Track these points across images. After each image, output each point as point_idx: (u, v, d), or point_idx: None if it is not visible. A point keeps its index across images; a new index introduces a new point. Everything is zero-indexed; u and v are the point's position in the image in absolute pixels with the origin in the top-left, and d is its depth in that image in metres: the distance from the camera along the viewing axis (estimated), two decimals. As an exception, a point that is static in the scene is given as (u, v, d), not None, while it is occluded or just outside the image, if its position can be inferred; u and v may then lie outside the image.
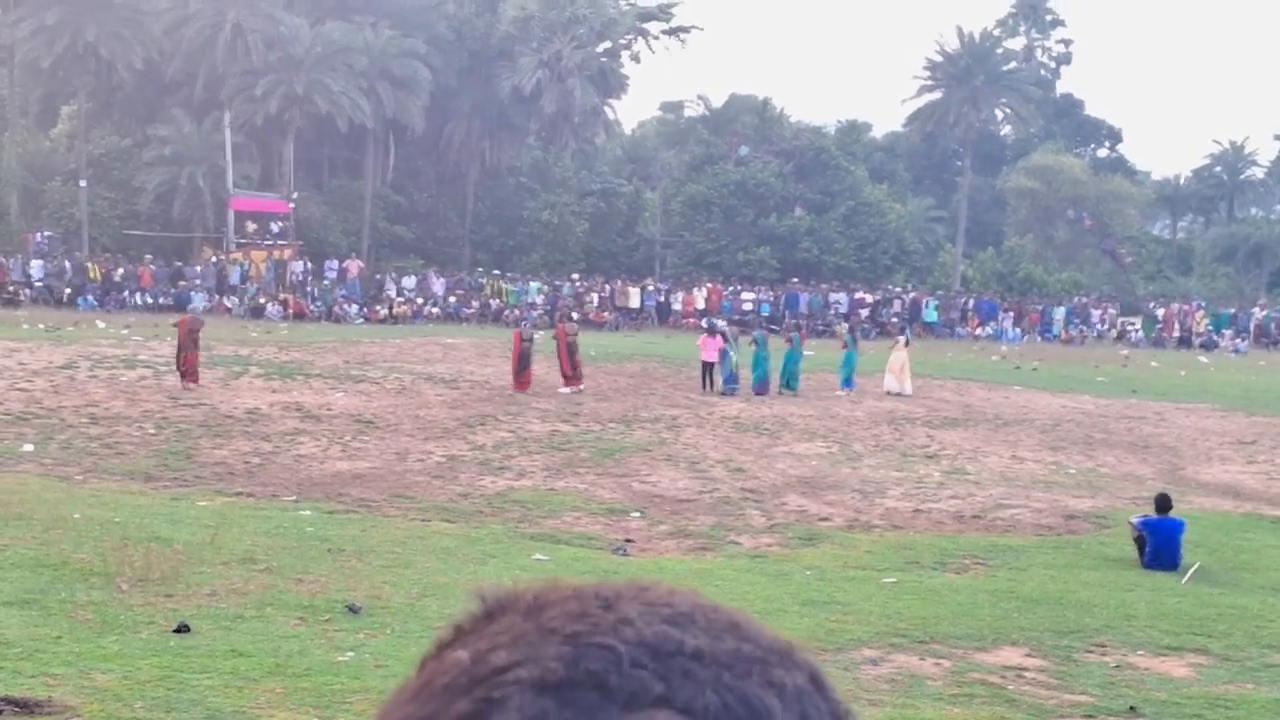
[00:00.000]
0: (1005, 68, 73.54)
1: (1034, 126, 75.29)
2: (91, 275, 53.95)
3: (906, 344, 33.63)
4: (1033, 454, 23.96)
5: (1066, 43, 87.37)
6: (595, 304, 58.73)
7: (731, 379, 30.68)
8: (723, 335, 31.51)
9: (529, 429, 23.94)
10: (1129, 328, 63.39)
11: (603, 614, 0.65)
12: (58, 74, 60.96)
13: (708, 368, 30.97)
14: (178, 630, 9.29)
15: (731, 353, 30.96)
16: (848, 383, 31.90)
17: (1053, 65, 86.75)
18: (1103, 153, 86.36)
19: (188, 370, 26.70)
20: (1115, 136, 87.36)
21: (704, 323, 38.70)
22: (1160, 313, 65.03)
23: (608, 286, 60.73)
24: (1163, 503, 14.99)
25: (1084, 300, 65.79)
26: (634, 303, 60.12)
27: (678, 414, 26.78)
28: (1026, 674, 10.01)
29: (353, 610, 10.41)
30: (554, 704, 0.60)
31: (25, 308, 47.93)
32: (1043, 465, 22.76)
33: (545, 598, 0.68)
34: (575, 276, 61.72)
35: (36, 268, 53.83)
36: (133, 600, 10.19)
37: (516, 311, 49.44)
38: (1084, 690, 9.64)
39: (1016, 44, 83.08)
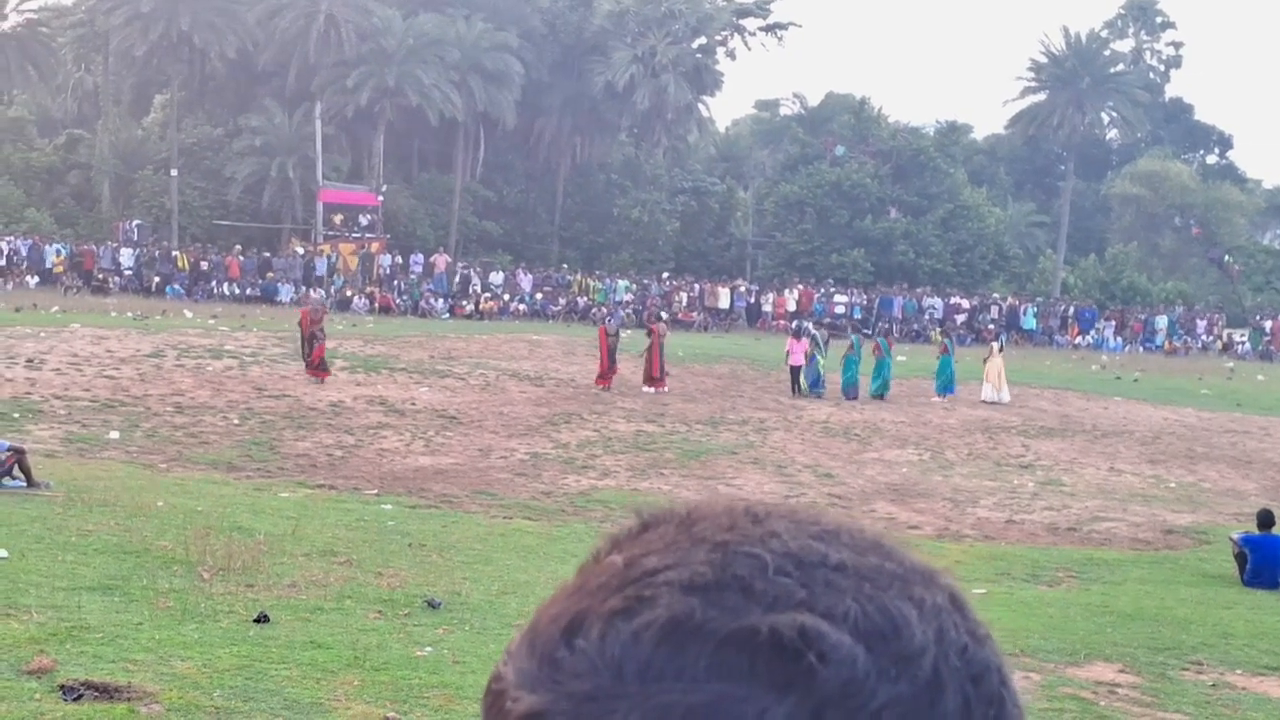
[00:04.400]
0: (1112, 70, 72.26)
1: (1141, 131, 73.89)
2: (180, 264, 54.71)
3: (1000, 350, 33.05)
4: (1131, 466, 23.40)
5: (1177, 45, 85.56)
6: (684, 304, 58.48)
7: (818, 383, 30.36)
8: (812, 339, 31.20)
9: (614, 428, 23.81)
10: (1235, 340, 61.84)
11: (752, 527, 0.68)
12: (151, 63, 62.10)
13: (795, 371, 30.71)
14: (257, 620, 9.26)
15: (819, 357, 30.64)
16: (946, 389, 31.38)
17: (1162, 68, 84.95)
18: (1212, 159, 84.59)
19: (317, 361, 26.84)
20: (1225, 143, 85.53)
21: (791, 326, 38.38)
22: (1268, 325, 63.30)
23: (697, 286, 60.47)
24: (1265, 519, 14.53)
25: (1189, 311, 64.31)
26: (723, 303, 59.78)
27: (766, 417, 26.51)
28: (1119, 690, 9.70)
29: (432, 605, 10.32)
30: (700, 603, 0.63)
31: (114, 295, 48.71)
32: (1141, 478, 22.21)
33: (698, 512, 0.71)
34: (664, 275, 61.56)
35: (126, 256, 54.68)
36: (214, 589, 10.18)
37: (604, 309, 49.36)
38: (1178, 709, 9.37)
39: (1125, 46, 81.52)
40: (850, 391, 30.29)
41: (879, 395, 30.50)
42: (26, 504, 13.53)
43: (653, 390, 28.97)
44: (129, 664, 7.86)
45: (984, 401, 31.04)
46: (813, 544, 0.67)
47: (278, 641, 8.74)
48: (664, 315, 39.25)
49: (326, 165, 59.12)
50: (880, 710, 0.62)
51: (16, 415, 20.28)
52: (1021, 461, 23.24)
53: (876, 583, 0.66)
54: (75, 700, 7.10)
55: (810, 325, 35.78)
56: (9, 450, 14.67)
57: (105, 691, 7.26)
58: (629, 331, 34.90)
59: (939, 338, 35.01)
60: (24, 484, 14.47)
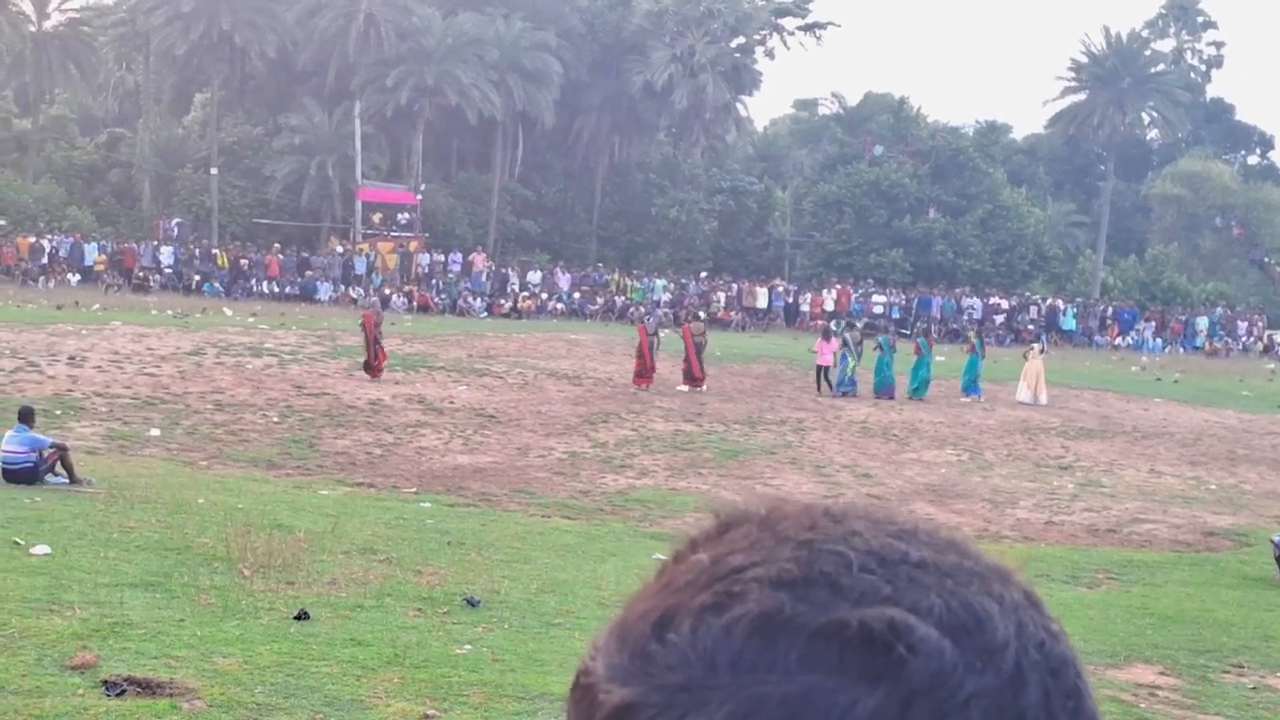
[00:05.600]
0: (1153, 70, 71.65)
1: (1182, 131, 73.20)
2: (220, 263, 55.05)
3: (1042, 352, 32.82)
4: (1172, 468, 23.20)
5: (1218, 45, 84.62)
6: (722, 303, 58.39)
7: (844, 383, 30.31)
8: (844, 340, 31.15)
9: (652, 428, 23.80)
10: (1276, 341, 61.20)
11: (833, 526, 0.70)
12: (192, 62, 62.55)
13: (822, 370, 30.66)
14: (298, 617, 9.29)
15: (850, 357, 30.57)
16: (971, 388, 31.24)
17: (1203, 68, 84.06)
18: (1253, 160, 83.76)
19: (380, 368, 27.02)
20: (1267, 143, 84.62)
21: (820, 325, 38.33)
22: (1310, 326, 62.73)
23: (735, 286, 60.38)
24: (1307, 522, 14.37)
25: (1230, 312, 63.68)
26: (761, 303, 59.66)
27: (804, 417, 26.44)
28: (1160, 693, 9.62)
29: (471, 604, 10.33)
30: (790, 598, 0.65)
31: (154, 293, 49.04)
32: (1182, 480, 22.01)
33: (778, 511, 0.72)
34: (702, 275, 61.48)
35: (166, 254, 55.08)
36: (254, 586, 10.22)
37: (641, 309, 49.39)
38: (1219, 711, 9.28)
39: (1165, 46, 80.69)
40: (883, 392, 30.18)
41: (917, 396, 30.37)
42: (69, 501, 13.65)
43: (688, 389, 28.94)
44: (171, 660, 7.91)
45: (1019, 403, 30.85)
46: (893, 542, 0.69)
47: (318, 639, 8.77)
48: (701, 315, 39.19)
49: (365, 164, 59.38)
50: (968, 701, 0.63)
51: (59, 412, 20.46)
52: (1061, 463, 23.08)
53: (957, 579, 0.67)
54: (118, 696, 7.14)
55: (843, 326, 35.67)
56: (52, 447, 14.80)
57: (147, 687, 7.31)
58: (667, 331, 34.86)
59: (972, 337, 34.80)
60: (67, 481, 14.60)
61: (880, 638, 0.63)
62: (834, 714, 0.62)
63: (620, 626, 0.69)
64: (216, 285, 52.89)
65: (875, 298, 59.55)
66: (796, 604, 0.65)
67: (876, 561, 0.67)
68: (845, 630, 0.64)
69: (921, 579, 0.67)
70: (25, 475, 14.37)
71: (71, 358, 25.82)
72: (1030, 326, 56.66)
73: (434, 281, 57.22)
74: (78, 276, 51.62)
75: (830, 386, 30.43)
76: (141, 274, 52.55)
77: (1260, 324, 63.30)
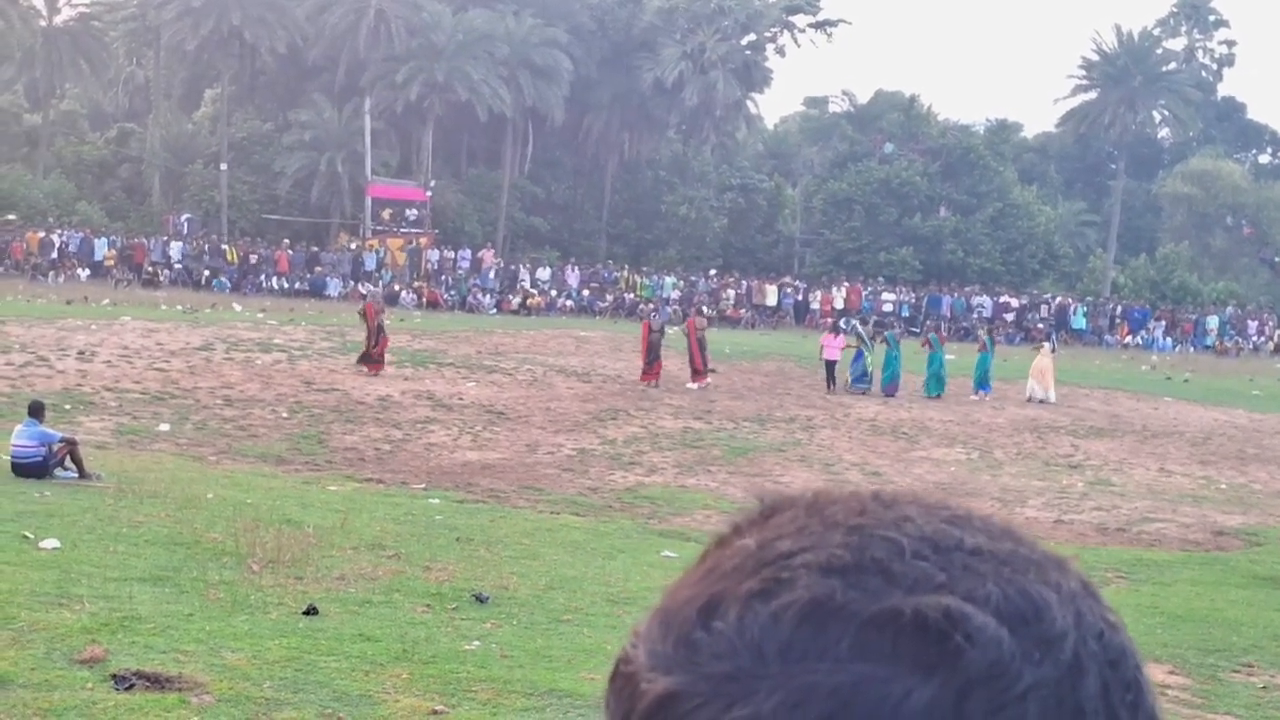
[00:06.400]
0: (1164, 68, 71.49)
1: (1193, 130, 73.08)
2: (229, 258, 55.09)
3: (1052, 350, 32.79)
4: (1182, 467, 23.14)
5: (1229, 44, 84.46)
6: (731, 301, 58.35)
7: (862, 378, 30.29)
8: (858, 335, 31.14)
9: (661, 425, 23.79)
10: (1287, 340, 61.07)
11: (884, 511, 0.68)
12: (202, 57, 62.66)
13: (830, 366, 30.67)
14: (306, 612, 9.29)
15: (866, 353, 30.55)
16: (982, 385, 31.23)
17: (1214, 67, 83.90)
18: (1264, 159, 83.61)
19: (379, 355, 26.95)
20: (1278, 142, 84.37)
21: (830, 322, 38.33)
22: (1320, 326, 62.56)
23: (744, 283, 60.34)
24: (1320, 522, 14.33)
25: (1240, 311, 63.54)
26: (771, 301, 59.62)
27: (813, 415, 26.42)
28: (1169, 692, 9.58)
29: (480, 600, 10.33)
30: (841, 584, 0.63)
31: (164, 288, 49.04)
32: (1192, 479, 21.95)
33: (826, 496, 0.71)
34: (712, 272, 61.45)
35: (176, 249, 55.10)
36: (263, 581, 10.23)
37: (649, 306, 49.40)
38: (1229, 711, 9.25)
39: (1177, 44, 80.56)
40: (891, 389, 30.16)
41: (933, 394, 30.34)
42: (78, 495, 13.66)
43: (696, 385, 28.92)
44: (180, 654, 7.92)
45: (1029, 400, 30.86)
46: (946, 528, 0.67)
47: (327, 634, 8.78)
48: (704, 309, 39.19)
49: (375, 160, 59.42)
50: (1026, 692, 0.61)
51: (68, 407, 20.48)
52: (1071, 461, 23.03)
53: (1014, 567, 0.65)
54: (127, 690, 7.15)
55: (856, 322, 35.68)
56: (61, 441, 14.81)
57: (156, 681, 7.32)
58: (675, 328, 34.83)
59: (982, 335, 34.79)
60: (76, 475, 14.61)
61: (936, 626, 0.61)
62: (887, 705, 0.60)
63: (663, 613, 0.67)
64: (226, 281, 52.93)
65: (885, 296, 59.48)
66: (848, 591, 0.63)
67: (930, 548, 0.65)
68: (899, 618, 0.62)
69: (977, 566, 0.65)
70: (35, 469, 14.39)
71: (81, 352, 25.86)
72: (1040, 325, 56.56)
73: (443, 278, 57.22)
74: (87, 271, 51.69)
75: (833, 382, 30.38)
76: (151, 269, 52.59)
77: (1271, 323, 63.15)
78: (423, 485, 17.00)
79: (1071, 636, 0.64)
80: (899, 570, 0.64)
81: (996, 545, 0.67)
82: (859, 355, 30.52)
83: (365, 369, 26.87)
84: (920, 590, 0.63)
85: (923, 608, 0.62)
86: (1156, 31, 75.39)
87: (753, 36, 67.28)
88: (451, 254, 58.99)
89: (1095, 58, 69.87)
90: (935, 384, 30.60)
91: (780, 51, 70.24)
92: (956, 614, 0.62)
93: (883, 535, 0.66)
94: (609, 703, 0.68)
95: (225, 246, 55.93)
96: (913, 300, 59.63)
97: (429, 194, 59.66)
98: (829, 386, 30.34)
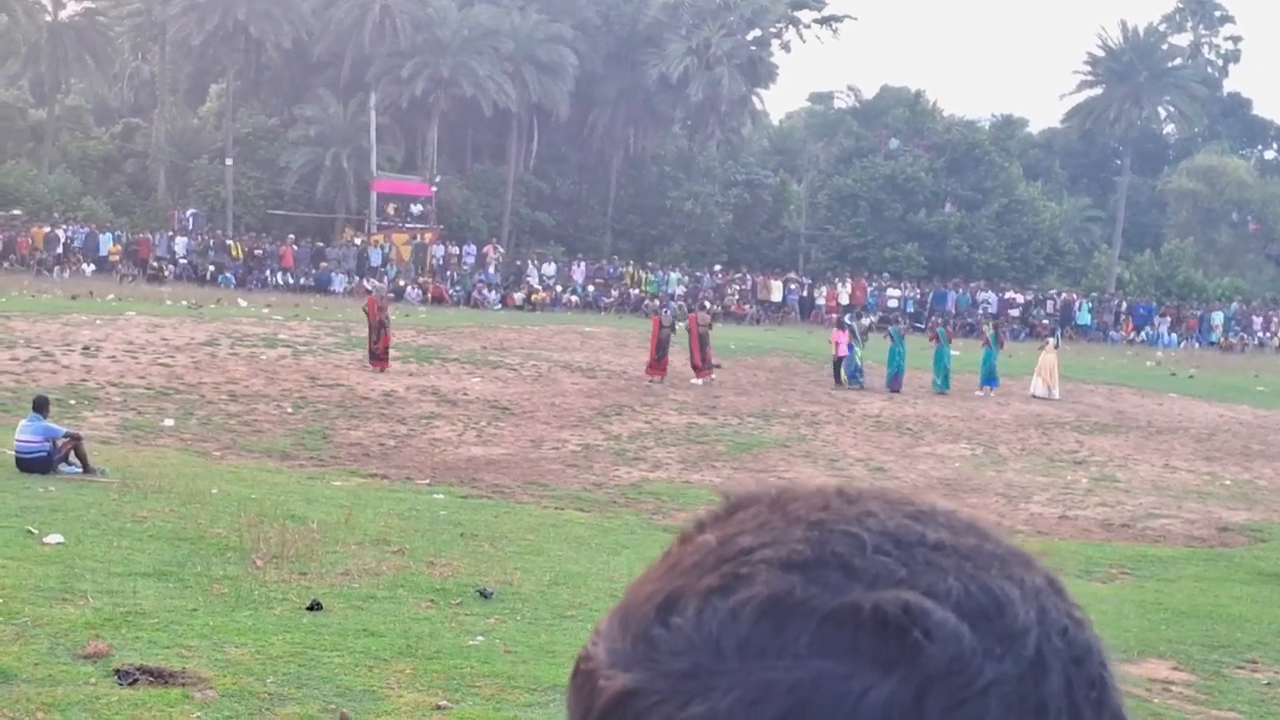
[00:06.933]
0: (1170, 64, 71.41)
1: (1198, 126, 72.92)
2: (234, 253, 55.06)
3: (1056, 347, 32.76)
4: (1186, 463, 23.13)
5: (1235, 40, 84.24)
6: (736, 296, 58.30)
7: (856, 374, 30.31)
8: (850, 330, 31.15)
9: (666, 420, 23.78)
10: (1292, 336, 60.96)
11: (846, 507, 0.67)
12: (207, 52, 62.63)
13: (839, 363, 30.69)
14: (310, 608, 9.29)
15: (857, 347, 30.58)
16: (988, 381, 31.22)
17: (1220, 63, 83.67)
18: (1270, 155, 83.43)
19: (382, 351, 26.92)
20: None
21: (836, 318, 38.34)
22: (1325, 322, 62.41)
23: (749, 279, 60.26)
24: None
25: (1245, 307, 63.43)
26: (776, 296, 59.54)
27: (817, 410, 26.41)
28: (1173, 688, 9.59)
29: (484, 595, 10.32)
30: (800, 580, 0.62)
31: (169, 284, 49.03)
32: (1196, 475, 21.94)
33: (789, 493, 0.70)
34: (717, 268, 61.40)
35: (181, 244, 55.08)
36: (267, 576, 10.23)
37: (656, 301, 49.33)
38: (1232, 707, 9.25)
39: (1182, 40, 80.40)
40: (895, 384, 30.15)
41: (943, 390, 30.34)
42: (83, 490, 13.68)
43: (700, 381, 28.91)
44: (183, 649, 7.92)
45: (1033, 396, 30.84)
46: (909, 523, 0.66)
47: (330, 629, 8.78)
48: (707, 305, 39.16)
49: (380, 155, 59.41)
50: (986, 689, 0.61)
51: (73, 402, 20.51)
52: (1075, 457, 23.02)
53: (977, 562, 0.65)
54: (130, 685, 7.15)
55: (849, 316, 35.65)
56: (66, 436, 14.83)
57: (160, 676, 7.32)
58: (683, 324, 34.84)
59: (987, 331, 34.78)
60: (80, 470, 14.63)
61: (895, 622, 0.61)
62: (846, 701, 0.60)
63: (623, 610, 0.67)
64: (231, 276, 52.92)
65: (890, 291, 59.41)
66: (807, 586, 0.62)
67: (892, 543, 0.64)
68: (858, 614, 0.61)
69: (939, 561, 0.64)
70: (39, 464, 14.41)
71: (86, 348, 25.87)
72: (1045, 321, 56.49)
73: (448, 273, 57.21)
74: (92, 266, 51.72)
75: (839, 378, 30.47)
76: (156, 264, 52.59)
77: (1276, 319, 63.01)
78: (427, 481, 17.01)
79: (1034, 632, 0.63)
80: (859, 565, 0.63)
81: (960, 540, 0.66)
82: (850, 349, 30.57)
83: (372, 366, 26.85)
84: (880, 585, 0.62)
85: (882, 603, 0.61)
86: (1162, 27, 75.24)
87: (758, 32, 67.18)
88: (456, 249, 58.97)
89: (1101, 53, 69.78)
90: (943, 379, 30.60)
91: (785, 47, 70.24)
92: (916, 609, 0.61)
93: (844, 530, 0.65)
94: (569, 700, 0.68)
95: (230, 242, 55.91)
96: (918, 296, 59.55)
97: (434, 189, 59.65)
98: (836, 381, 30.42)
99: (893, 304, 57.60)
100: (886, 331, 31.80)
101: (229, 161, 59.64)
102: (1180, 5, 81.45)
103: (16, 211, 55.24)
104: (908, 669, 0.60)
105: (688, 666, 0.62)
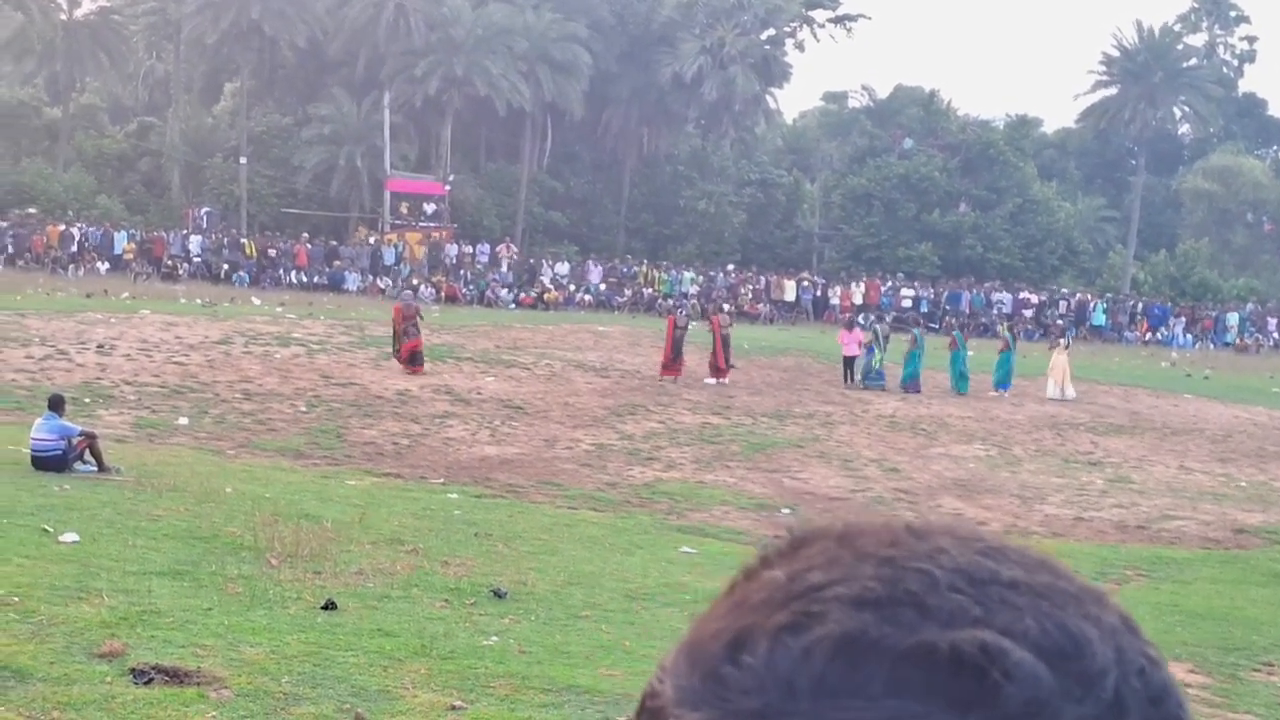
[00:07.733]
0: (1185, 65, 71.14)
1: (1214, 126, 72.65)
2: (248, 252, 55.16)
3: (1067, 347, 32.69)
4: (1201, 465, 23.04)
5: (1251, 40, 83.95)
6: (750, 296, 58.21)
7: (870, 375, 30.30)
8: (873, 332, 31.16)
9: (679, 420, 23.76)
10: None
11: (916, 543, 0.66)
12: (222, 51, 62.67)
13: (848, 362, 30.67)
14: (325, 607, 9.29)
15: (876, 349, 30.56)
16: (1003, 384, 31.16)
17: (1235, 63, 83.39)
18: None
19: (406, 356, 26.83)
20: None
21: (847, 318, 38.32)
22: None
23: (763, 278, 60.17)
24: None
25: (1261, 308, 63.17)
26: (789, 296, 59.43)
27: (831, 410, 26.37)
28: (1189, 691, 9.51)
29: (498, 595, 10.32)
30: (874, 618, 0.61)
31: (183, 282, 49.15)
32: (1212, 477, 21.85)
33: (856, 528, 0.69)
34: (730, 267, 61.34)
35: (195, 243, 55.18)
36: (282, 575, 10.23)
37: (670, 301, 49.27)
38: (1249, 710, 9.24)
39: (1198, 40, 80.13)
40: (911, 385, 30.12)
41: (963, 391, 30.33)
42: (98, 489, 13.70)
43: (715, 381, 28.89)
44: (198, 649, 7.92)
45: (1048, 398, 30.77)
46: (981, 560, 0.65)
47: (345, 629, 8.78)
48: (726, 306, 39.13)
49: (394, 154, 59.45)
50: None
51: (88, 400, 20.55)
52: (1090, 458, 22.95)
53: (1053, 600, 0.63)
54: (145, 684, 7.15)
55: (871, 320, 35.64)
56: (81, 435, 14.85)
57: (175, 675, 7.32)
58: (695, 323, 34.81)
59: (1004, 332, 34.71)
60: (95, 469, 14.65)
61: (973, 662, 0.59)
62: None
63: (690, 647, 0.65)
64: (244, 275, 53.01)
65: (904, 291, 59.28)
66: (881, 625, 0.61)
67: (965, 580, 0.63)
68: (935, 653, 0.59)
69: (1014, 600, 0.62)
70: (54, 463, 14.43)
71: (100, 346, 25.93)
72: (1059, 321, 56.33)
73: (462, 272, 57.24)
74: (107, 265, 51.82)
75: (851, 377, 30.47)
76: (170, 263, 52.70)
77: (1292, 320, 62.77)
78: (441, 480, 17.01)
79: (1113, 673, 0.62)
80: (933, 603, 0.62)
81: (1033, 578, 0.64)
82: (869, 352, 30.57)
83: (406, 369, 26.61)
84: (956, 624, 0.61)
85: (959, 642, 0.60)
86: (1177, 27, 75.00)
87: (772, 31, 67.06)
88: (470, 248, 59.01)
89: (1116, 53, 69.55)
90: (961, 381, 30.58)
91: (800, 46, 70.12)
92: (994, 649, 0.59)
93: (916, 567, 0.64)
94: None
95: (244, 240, 56.00)
96: (932, 296, 59.42)
97: (448, 188, 59.68)
98: (848, 381, 30.43)
99: (907, 304, 57.48)
100: (911, 335, 31.77)
101: (243, 160, 59.72)
102: (1195, 5, 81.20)
103: (31, 210, 55.41)
104: (986, 710, 0.59)
105: (759, 706, 0.61)
